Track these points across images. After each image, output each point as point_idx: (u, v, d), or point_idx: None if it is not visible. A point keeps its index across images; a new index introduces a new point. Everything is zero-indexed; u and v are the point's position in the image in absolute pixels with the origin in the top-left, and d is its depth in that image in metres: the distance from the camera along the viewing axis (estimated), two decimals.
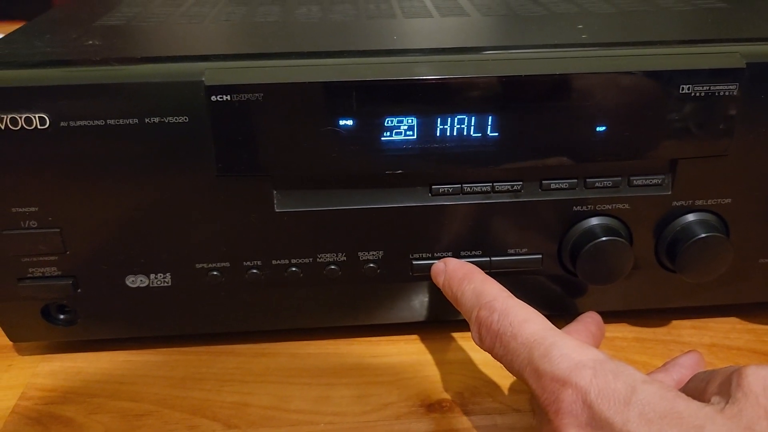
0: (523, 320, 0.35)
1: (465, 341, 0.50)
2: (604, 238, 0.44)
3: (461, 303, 0.40)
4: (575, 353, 0.32)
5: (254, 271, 0.45)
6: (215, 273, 0.45)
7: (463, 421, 0.43)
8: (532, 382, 0.33)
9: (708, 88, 0.41)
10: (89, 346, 0.49)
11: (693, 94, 0.41)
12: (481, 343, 0.37)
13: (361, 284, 0.47)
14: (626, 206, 0.44)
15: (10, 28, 0.50)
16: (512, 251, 0.46)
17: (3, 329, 0.47)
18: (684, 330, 0.51)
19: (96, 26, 0.50)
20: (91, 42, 0.45)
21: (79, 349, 0.49)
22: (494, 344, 0.36)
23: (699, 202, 0.45)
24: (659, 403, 0.28)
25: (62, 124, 0.39)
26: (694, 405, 0.28)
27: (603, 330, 0.45)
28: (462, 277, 0.40)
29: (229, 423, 0.43)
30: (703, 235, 0.44)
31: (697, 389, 0.32)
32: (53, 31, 0.49)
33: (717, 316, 0.52)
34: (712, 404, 0.29)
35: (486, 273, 0.40)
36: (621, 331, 0.51)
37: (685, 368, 0.41)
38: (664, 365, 0.42)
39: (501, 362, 0.36)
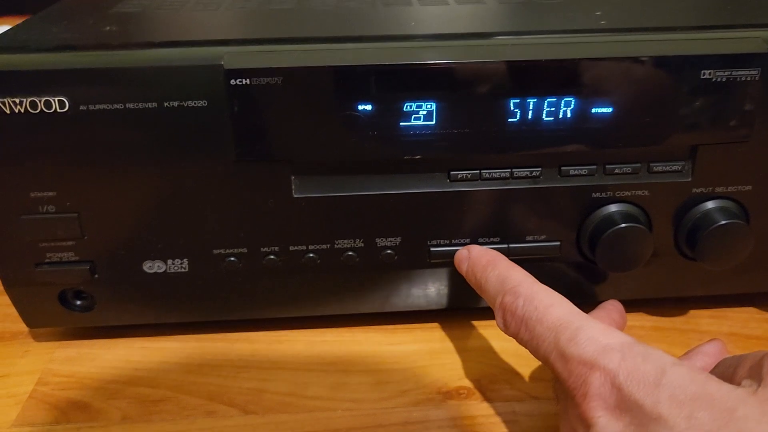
0: (549, 305, 0.35)
1: (482, 329, 0.50)
2: (623, 225, 0.43)
3: (485, 289, 0.39)
4: (602, 337, 0.32)
5: (272, 257, 0.45)
6: (232, 259, 0.45)
7: (482, 408, 0.43)
8: (558, 366, 0.32)
9: (729, 73, 0.40)
10: (104, 333, 0.49)
11: (714, 80, 0.41)
12: (506, 329, 0.37)
13: (378, 271, 0.46)
14: (645, 193, 0.44)
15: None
16: (531, 238, 0.46)
17: (20, 314, 0.47)
18: (702, 319, 0.50)
19: (112, 13, 0.50)
20: (108, 28, 0.45)
21: (94, 336, 0.49)
22: (519, 329, 0.35)
23: (719, 189, 0.44)
24: (690, 385, 0.28)
25: (81, 107, 0.39)
26: (726, 387, 0.28)
27: (625, 318, 0.45)
28: (486, 263, 0.40)
29: (246, 409, 0.43)
30: (723, 222, 0.44)
31: (725, 375, 0.32)
32: (69, 18, 0.48)
33: (734, 306, 0.51)
34: (744, 387, 0.28)
35: None
36: (639, 320, 0.50)
37: (708, 356, 0.40)
38: (686, 353, 0.42)
39: (526, 347, 0.35)
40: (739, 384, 0.29)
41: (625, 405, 0.29)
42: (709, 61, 0.40)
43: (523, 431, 0.41)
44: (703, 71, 0.40)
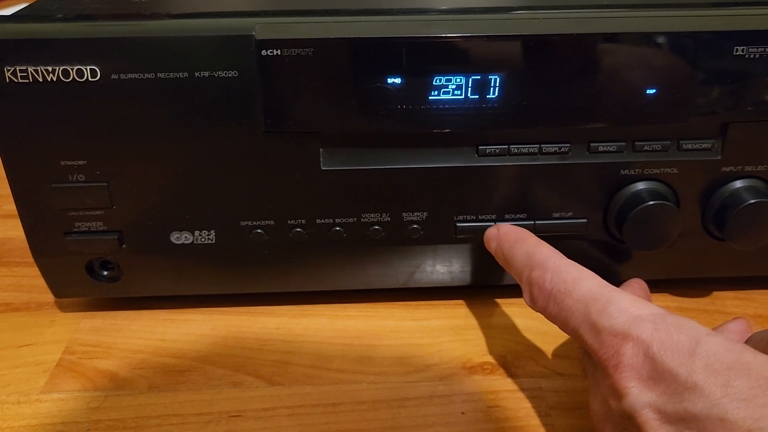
0: (578, 278, 0.35)
1: (506, 307, 0.50)
2: (651, 203, 0.43)
3: (512, 265, 0.39)
4: (633, 308, 0.32)
5: (298, 229, 0.45)
6: (259, 231, 0.45)
7: (507, 384, 0.43)
8: (588, 338, 0.32)
9: (763, 50, 0.40)
10: (129, 304, 0.50)
11: (747, 56, 0.40)
12: (533, 304, 0.37)
13: (403, 246, 0.46)
14: (674, 171, 0.44)
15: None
16: (557, 215, 0.45)
17: (48, 284, 0.47)
18: (728, 301, 0.50)
19: None
20: None
21: (118, 307, 0.50)
22: (548, 303, 0.35)
23: (748, 168, 0.44)
24: (725, 355, 0.28)
25: (113, 76, 0.39)
26: (762, 357, 0.28)
27: (649, 296, 0.45)
28: (514, 240, 0.40)
29: (272, 380, 0.43)
30: (753, 201, 0.43)
31: (757, 347, 0.32)
32: None
33: (761, 288, 0.51)
34: None
35: None
36: (663, 300, 0.50)
37: (733, 334, 0.40)
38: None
39: (554, 322, 0.35)
40: None
41: (658, 375, 0.29)
42: (742, 37, 0.40)
43: (549, 407, 0.41)
44: (735, 47, 0.40)
